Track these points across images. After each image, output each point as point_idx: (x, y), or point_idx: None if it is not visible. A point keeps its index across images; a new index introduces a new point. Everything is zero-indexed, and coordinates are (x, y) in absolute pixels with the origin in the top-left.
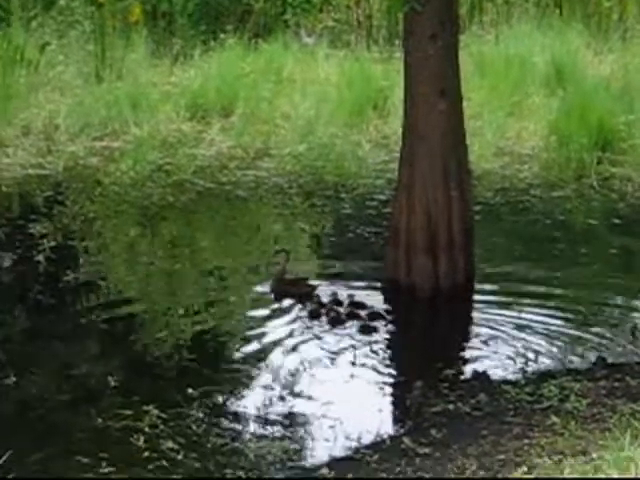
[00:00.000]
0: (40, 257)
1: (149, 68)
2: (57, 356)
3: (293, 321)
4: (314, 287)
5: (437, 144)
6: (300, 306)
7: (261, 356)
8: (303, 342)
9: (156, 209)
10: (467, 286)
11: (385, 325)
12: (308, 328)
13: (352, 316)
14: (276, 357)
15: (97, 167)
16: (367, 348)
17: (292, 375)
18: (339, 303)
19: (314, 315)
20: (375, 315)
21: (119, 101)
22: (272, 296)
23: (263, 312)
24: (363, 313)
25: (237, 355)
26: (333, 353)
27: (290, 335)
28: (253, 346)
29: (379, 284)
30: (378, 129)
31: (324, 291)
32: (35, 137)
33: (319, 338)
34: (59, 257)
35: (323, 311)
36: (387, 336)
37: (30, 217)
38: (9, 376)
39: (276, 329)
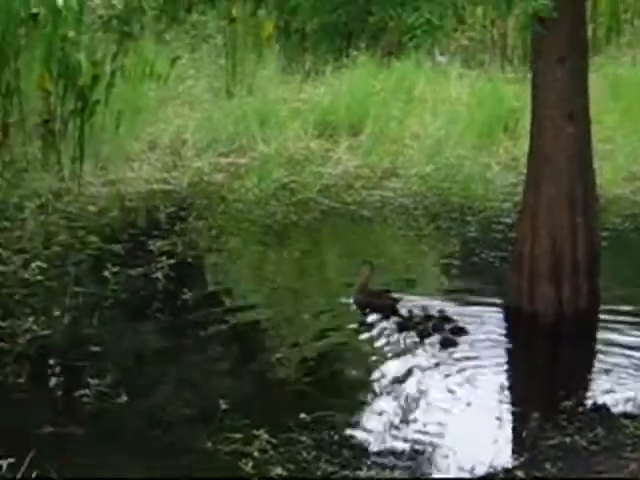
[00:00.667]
0: (159, 274)
1: (279, 84)
2: (173, 375)
3: (408, 342)
4: (397, 300)
5: (564, 168)
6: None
7: (377, 380)
8: (418, 366)
9: (279, 228)
10: (591, 313)
11: (504, 352)
12: (420, 348)
13: (437, 329)
14: (391, 382)
15: (222, 183)
16: (485, 376)
17: (406, 401)
18: (429, 317)
19: (402, 328)
20: (458, 330)
21: (247, 117)
22: (354, 307)
23: (383, 333)
24: (447, 327)
25: (354, 378)
26: (447, 376)
27: (405, 356)
28: (371, 368)
29: (501, 309)
30: (508, 151)
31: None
32: (161, 152)
33: (433, 362)
34: (179, 274)
35: (411, 324)
36: (507, 363)
37: (152, 233)
38: (122, 395)
39: (393, 350)
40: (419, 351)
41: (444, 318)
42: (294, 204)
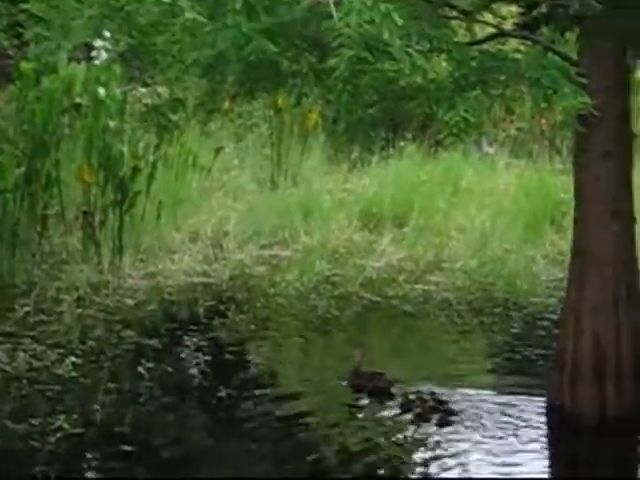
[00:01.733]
0: (195, 370)
1: (324, 174)
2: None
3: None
4: (391, 382)
5: (608, 267)
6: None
7: None
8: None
9: (319, 322)
10: (636, 417)
11: (547, 456)
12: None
13: (434, 411)
14: None
15: (263, 276)
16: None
17: None
18: (423, 400)
19: (404, 409)
20: (451, 412)
21: (291, 208)
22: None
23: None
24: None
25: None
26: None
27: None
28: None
29: (542, 409)
30: (554, 244)
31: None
32: (203, 244)
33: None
34: (214, 370)
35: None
36: (547, 467)
37: (190, 327)
38: None
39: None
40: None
41: (439, 401)
42: (335, 298)
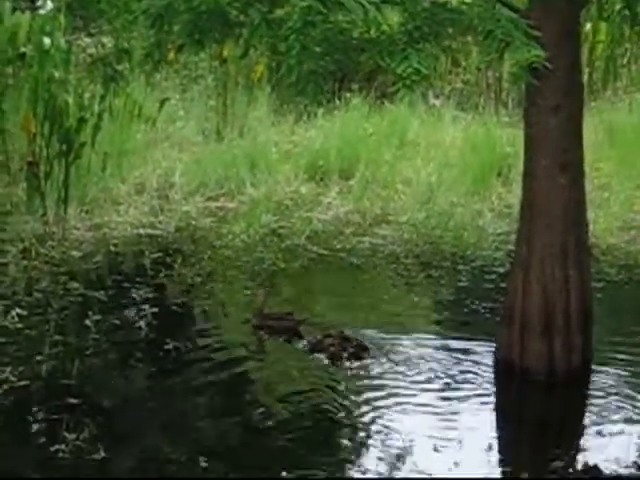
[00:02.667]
0: (142, 322)
1: (270, 126)
2: (153, 428)
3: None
4: (299, 321)
5: (557, 220)
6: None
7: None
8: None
9: (266, 275)
10: (584, 370)
11: (493, 409)
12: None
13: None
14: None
15: (209, 228)
16: (473, 432)
17: (392, 461)
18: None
19: (316, 349)
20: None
21: (237, 160)
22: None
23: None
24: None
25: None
26: (432, 436)
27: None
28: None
29: (490, 362)
30: (501, 197)
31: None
32: (148, 195)
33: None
34: (161, 323)
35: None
36: (495, 421)
37: (137, 279)
38: (100, 450)
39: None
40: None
41: (345, 338)
42: (282, 250)
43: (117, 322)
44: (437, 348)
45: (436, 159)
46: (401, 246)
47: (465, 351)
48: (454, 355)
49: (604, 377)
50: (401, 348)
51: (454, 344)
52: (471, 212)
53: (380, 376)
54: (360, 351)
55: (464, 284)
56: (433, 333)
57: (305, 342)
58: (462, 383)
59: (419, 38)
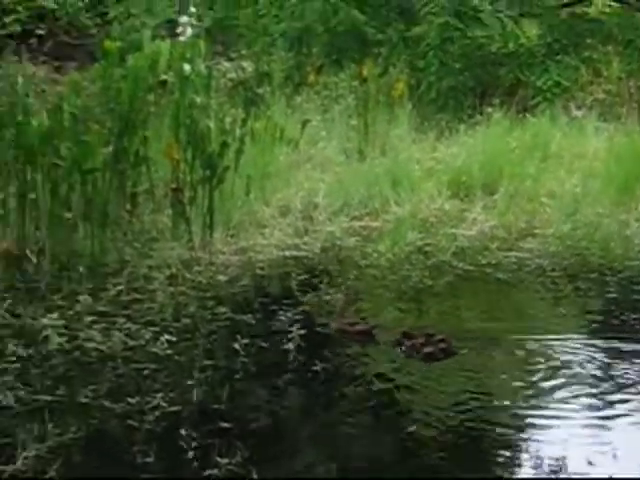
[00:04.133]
0: (290, 345)
1: (412, 144)
2: (306, 450)
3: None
4: (373, 326)
5: None
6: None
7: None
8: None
9: (413, 293)
10: None
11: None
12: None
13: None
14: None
15: (355, 248)
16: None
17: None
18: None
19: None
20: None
21: (380, 178)
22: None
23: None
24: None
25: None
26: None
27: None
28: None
29: None
30: None
31: None
32: (293, 217)
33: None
34: (309, 344)
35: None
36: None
37: (284, 302)
38: (252, 473)
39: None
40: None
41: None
42: (428, 268)
43: (265, 345)
44: (588, 357)
45: (580, 171)
46: (547, 259)
47: (616, 361)
48: (605, 364)
49: None
50: (553, 355)
51: (605, 354)
52: (617, 223)
53: (533, 384)
54: (449, 346)
55: (613, 295)
56: (583, 343)
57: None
58: (614, 393)
59: (558, 50)
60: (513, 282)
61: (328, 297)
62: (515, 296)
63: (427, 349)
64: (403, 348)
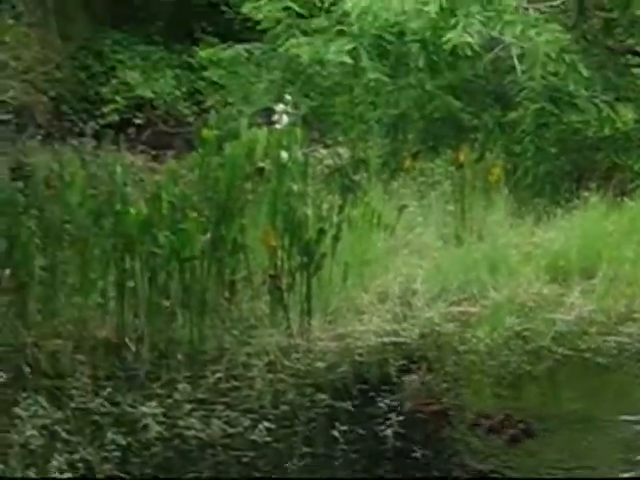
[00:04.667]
0: (388, 431)
1: (509, 229)
2: None
3: None
4: (448, 407)
5: None
6: None
7: None
8: None
9: (512, 378)
10: None
11: None
12: None
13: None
14: None
15: (453, 333)
16: None
17: None
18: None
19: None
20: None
21: (478, 264)
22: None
23: None
24: None
25: None
26: None
27: None
28: None
29: None
30: None
31: None
32: (391, 303)
33: None
34: (408, 431)
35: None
36: None
37: (382, 388)
38: None
39: None
40: None
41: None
42: (527, 353)
43: (364, 432)
44: None
45: None
46: None
47: None
48: None
49: None
50: None
51: None
52: None
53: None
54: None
55: None
56: None
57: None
58: None
59: None
60: (613, 367)
61: (426, 383)
62: (615, 381)
63: (510, 431)
64: (481, 430)
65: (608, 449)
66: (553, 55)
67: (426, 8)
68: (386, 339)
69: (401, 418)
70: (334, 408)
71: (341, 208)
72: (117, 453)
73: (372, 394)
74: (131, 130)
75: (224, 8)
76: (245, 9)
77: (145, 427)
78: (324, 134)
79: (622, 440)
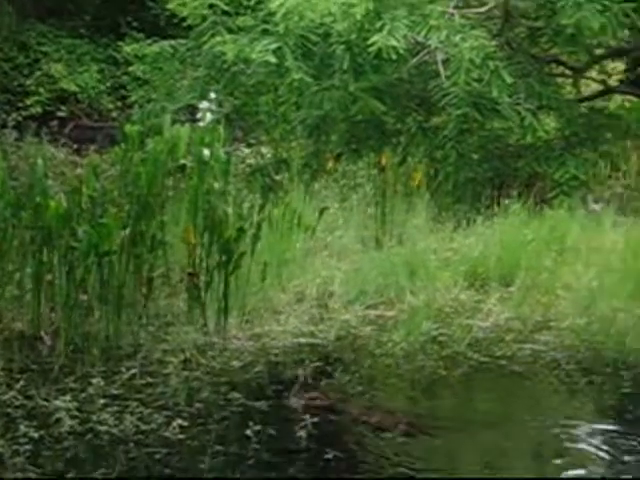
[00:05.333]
0: (302, 433)
1: (429, 233)
2: None
3: None
4: (334, 402)
5: None
6: None
7: None
8: None
9: (426, 383)
10: None
11: None
12: None
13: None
14: None
15: (370, 336)
16: None
17: None
18: None
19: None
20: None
21: (396, 268)
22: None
23: None
24: None
25: None
26: None
27: None
28: None
29: None
30: None
31: None
32: (308, 304)
33: None
34: (321, 432)
35: None
36: None
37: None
38: None
39: None
40: None
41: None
42: (443, 358)
43: (277, 432)
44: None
45: (597, 264)
46: (562, 352)
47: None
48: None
49: None
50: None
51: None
52: (633, 317)
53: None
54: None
55: (627, 390)
56: (598, 439)
57: None
58: None
59: (576, 144)
60: (527, 374)
61: (341, 385)
62: (528, 387)
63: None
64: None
65: (508, 449)
66: (477, 61)
67: (352, 10)
68: (302, 340)
69: (315, 420)
70: (248, 407)
71: (262, 207)
72: (29, 446)
73: (287, 394)
74: (54, 123)
75: (150, 4)
76: (171, 5)
77: (58, 421)
78: (247, 133)
79: (528, 440)
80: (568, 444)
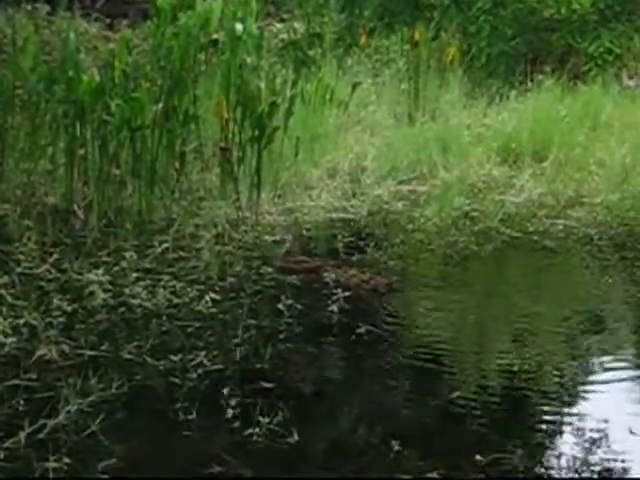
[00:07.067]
0: (334, 307)
1: (462, 109)
2: (347, 412)
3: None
4: (319, 265)
5: None
6: None
7: (562, 420)
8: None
9: (459, 258)
10: None
11: None
12: None
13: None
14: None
15: (402, 212)
16: None
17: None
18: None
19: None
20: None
21: (429, 143)
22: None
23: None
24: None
25: (538, 417)
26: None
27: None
28: (556, 404)
29: None
30: None
31: None
32: (341, 179)
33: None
34: (354, 306)
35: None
36: None
37: (329, 263)
38: (294, 434)
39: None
40: None
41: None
42: (475, 234)
43: (310, 305)
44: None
45: (630, 140)
46: (595, 228)
47: None
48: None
49: None
50: (599, 325)
51: None
52: None
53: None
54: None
55: None
56: (630, 314)
57: None
58: None
59: (611, 17)
60: (559, 250)
61: (373, 259)
62: (561, 263)
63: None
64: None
65: (539, 313)
66: None
67: None
68: (334, 215)
69: (347, 294)
70: (280, 281)
71: (294, 83)
72: (62, 319)
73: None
74: None
75: None
76: None
77: (91, 294)
78: (280, 8)
79: (560, 307)
80: (599, 312)
